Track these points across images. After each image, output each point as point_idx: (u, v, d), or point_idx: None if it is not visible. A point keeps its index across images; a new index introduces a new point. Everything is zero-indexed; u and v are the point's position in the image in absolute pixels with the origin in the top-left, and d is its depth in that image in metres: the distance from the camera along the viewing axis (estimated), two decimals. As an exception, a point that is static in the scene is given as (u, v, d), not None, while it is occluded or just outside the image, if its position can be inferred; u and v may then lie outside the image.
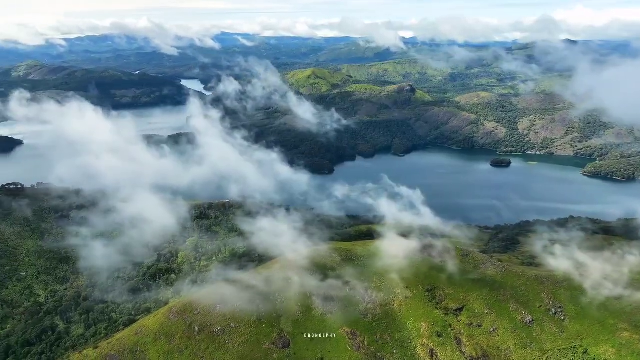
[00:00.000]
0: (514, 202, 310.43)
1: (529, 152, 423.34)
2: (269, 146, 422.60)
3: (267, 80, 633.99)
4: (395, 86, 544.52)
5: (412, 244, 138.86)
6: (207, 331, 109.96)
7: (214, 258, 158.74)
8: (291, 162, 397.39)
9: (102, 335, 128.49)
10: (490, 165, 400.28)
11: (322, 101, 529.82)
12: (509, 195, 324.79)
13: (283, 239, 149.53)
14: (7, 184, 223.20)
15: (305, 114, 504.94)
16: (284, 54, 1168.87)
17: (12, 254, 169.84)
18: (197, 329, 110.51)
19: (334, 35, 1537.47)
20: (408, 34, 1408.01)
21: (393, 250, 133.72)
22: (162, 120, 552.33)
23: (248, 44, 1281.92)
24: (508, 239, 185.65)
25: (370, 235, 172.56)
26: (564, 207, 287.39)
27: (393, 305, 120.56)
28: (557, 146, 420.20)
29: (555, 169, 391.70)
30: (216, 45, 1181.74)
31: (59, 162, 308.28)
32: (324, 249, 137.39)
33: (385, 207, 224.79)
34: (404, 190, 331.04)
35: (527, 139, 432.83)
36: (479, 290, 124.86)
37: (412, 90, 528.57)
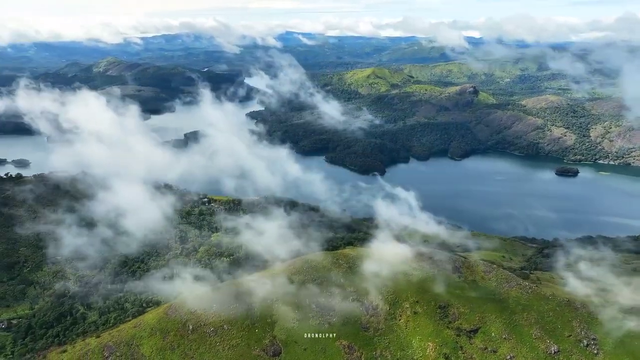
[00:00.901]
0: (576, 215, 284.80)
1: (600, 162, 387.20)
2: (319, 145, 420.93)
3: (321, 80, 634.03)
4: (457, 87, 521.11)
5: (431, 255, 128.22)
6: (200, 331, 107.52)
7: (224, 258, 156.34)
8: (342, 162, 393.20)
9: (111, 324, 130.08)
10: (556, 174, 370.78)
11: (379, 101, 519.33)
12: (573, 207, 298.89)
13: (288, 241, 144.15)
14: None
15: (359, 113, 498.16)
16: (347, 53, 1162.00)
17: (52, 238, 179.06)
18: (191, 327, 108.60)
19: (399, 35, 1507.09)
20: (474, 34, 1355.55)
21: (407, 260, 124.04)
22: (223, 116, 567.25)
23: (310, 43, 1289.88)
24: (552, 255, 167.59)
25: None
26: (636, 224, 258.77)
27: (399, 320, 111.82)
28: (635, 156, 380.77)
29: (632, 180, 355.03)
30: (278, 44, 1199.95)
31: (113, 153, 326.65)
32: (331, 254, 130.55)
33: (415, 213, 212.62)
34: (446, 195, 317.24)
35: (600, 147, 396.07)
36: (499, 312, 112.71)
37: (475, 91, 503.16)
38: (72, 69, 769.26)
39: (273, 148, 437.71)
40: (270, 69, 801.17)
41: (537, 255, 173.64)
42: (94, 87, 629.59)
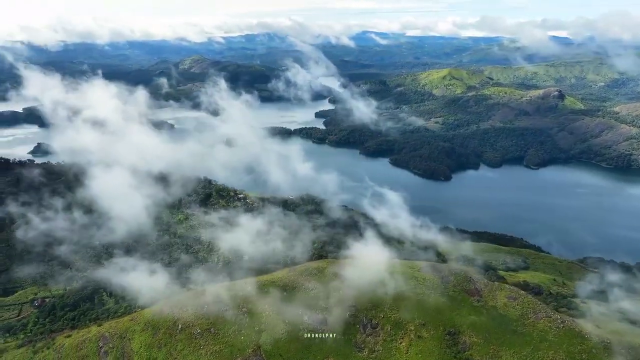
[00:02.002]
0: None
1: None
2: (385, 146, 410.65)
3: (393, 80, 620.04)
4: (541, 91, 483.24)
5: (450, 272, 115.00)
6: (188, 332, 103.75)
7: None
8: (406, 165, 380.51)
9: (120, 314, 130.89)
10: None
11: (453, 103, 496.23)
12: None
13: (296, 245, 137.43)
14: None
15: (429, 116, 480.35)
16: (426, 54, 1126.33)
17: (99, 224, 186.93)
18: (180, 326, 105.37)
19: (483, 35, 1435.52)
20: (562, 34, 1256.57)
21: (422, 276, 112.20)
22: (294, 114, 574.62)
23: (387, 42, 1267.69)
24: (616, 284, 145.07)
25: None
26: None
27: (400, 343, 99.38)
28: None
29: None
30: (351, 43, 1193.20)
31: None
32: (338, 262, 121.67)
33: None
34: (515, 205, 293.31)
35: None
36: (519, 346, 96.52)
37: (561, 96, 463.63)
38: (160, 66, 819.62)
39: (337, 148, 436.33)
40: (345, 69, 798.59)
41: (597, 282, 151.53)
42: (178, 84, 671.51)
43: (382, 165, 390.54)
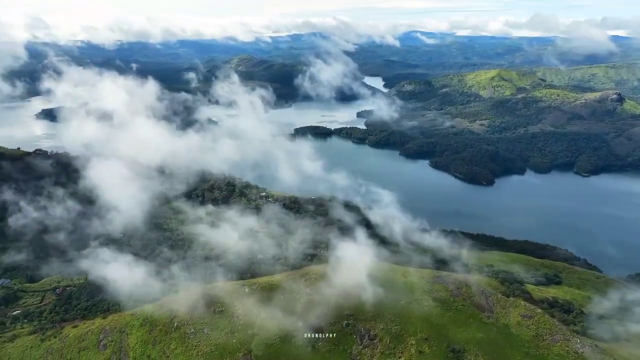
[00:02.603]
0: None
1: None
2: (425, 148, 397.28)
3: (438, 81, 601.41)
4: (597, 94, 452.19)
5: (462, 284, 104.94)
6: (182, 330, 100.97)
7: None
8: (447, 168, 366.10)
9: (129, 307, 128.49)
10: None
11: (500, 106, 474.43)
12: None
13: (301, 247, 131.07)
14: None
15: (474, 117, 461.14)
16: (477, 54, 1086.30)
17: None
18: (175, 324, 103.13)
19: (538, 35, 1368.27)
20: (621, 33, 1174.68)
21: (430, 287, 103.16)
22: (335, 114, 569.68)
23: (434, 42, 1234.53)
24: None
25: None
26: None
27: (399, 357, 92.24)
28: None
29: None
30: (397, 43, 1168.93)
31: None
32: (341, 267, 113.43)
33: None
34: (562, 215, 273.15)
35: None
36: None
37: (620, 99, 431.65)
38: (208, 64, 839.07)
39: (376, 149, 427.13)
40: (391, 68, 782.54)
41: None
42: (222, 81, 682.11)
43: (422, 167, 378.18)
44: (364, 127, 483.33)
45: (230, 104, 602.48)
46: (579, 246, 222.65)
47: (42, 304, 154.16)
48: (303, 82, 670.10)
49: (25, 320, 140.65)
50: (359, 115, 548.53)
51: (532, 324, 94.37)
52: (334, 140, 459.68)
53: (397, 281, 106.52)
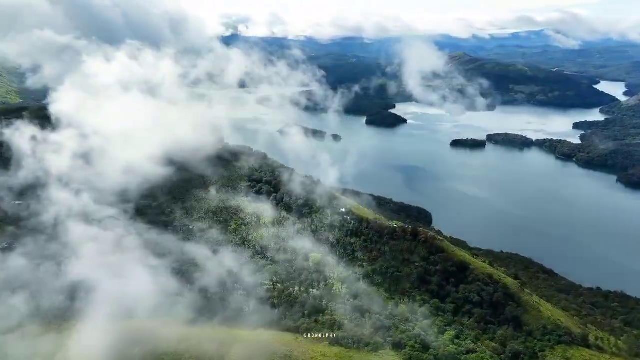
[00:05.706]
0: None
1: None
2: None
3: None
4: None
5: None
6: None
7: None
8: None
9: None
10: None
11: None
12: None
13: None
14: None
15: None
16: None
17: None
18: None
19: None
20: None
21: None
22: (547, 122, 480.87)
23: None
24: None
25: None
26: None
27: None
28: None
29: None
30: None
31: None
32: None
33: None
34: None
35: None
36: None
37: None
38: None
39: (587, 169, 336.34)
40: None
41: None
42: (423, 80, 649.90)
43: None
44: (577, 142, 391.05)
45: (428, 102, 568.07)
46: None
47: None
48: (517, 85, 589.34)
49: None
50: (576, 126, 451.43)
51: None
52: (532, 153, 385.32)
53: None
